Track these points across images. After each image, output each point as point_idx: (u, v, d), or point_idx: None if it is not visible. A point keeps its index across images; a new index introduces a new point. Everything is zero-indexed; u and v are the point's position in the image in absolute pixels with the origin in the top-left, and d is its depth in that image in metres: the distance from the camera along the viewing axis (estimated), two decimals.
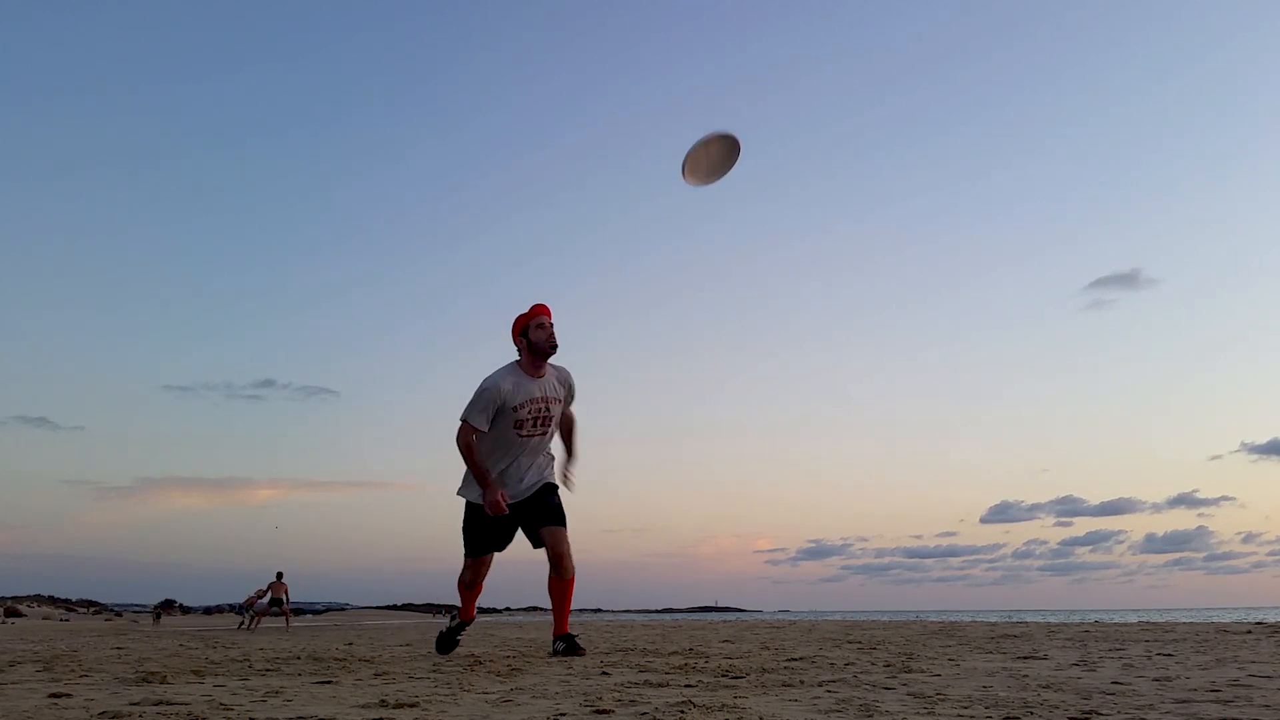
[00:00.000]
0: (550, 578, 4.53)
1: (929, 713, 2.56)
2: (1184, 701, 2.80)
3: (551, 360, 4.54)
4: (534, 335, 4.39)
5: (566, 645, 4.53)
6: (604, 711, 2.51)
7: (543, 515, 4.49)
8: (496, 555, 4.82)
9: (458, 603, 5.00)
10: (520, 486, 4.53)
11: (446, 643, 4.98)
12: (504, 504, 4.40)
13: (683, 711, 2.49)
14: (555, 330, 4.42)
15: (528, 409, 4.41)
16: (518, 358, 4.51)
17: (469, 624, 5.02)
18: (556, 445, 4.79)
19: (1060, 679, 3.53)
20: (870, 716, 2.48)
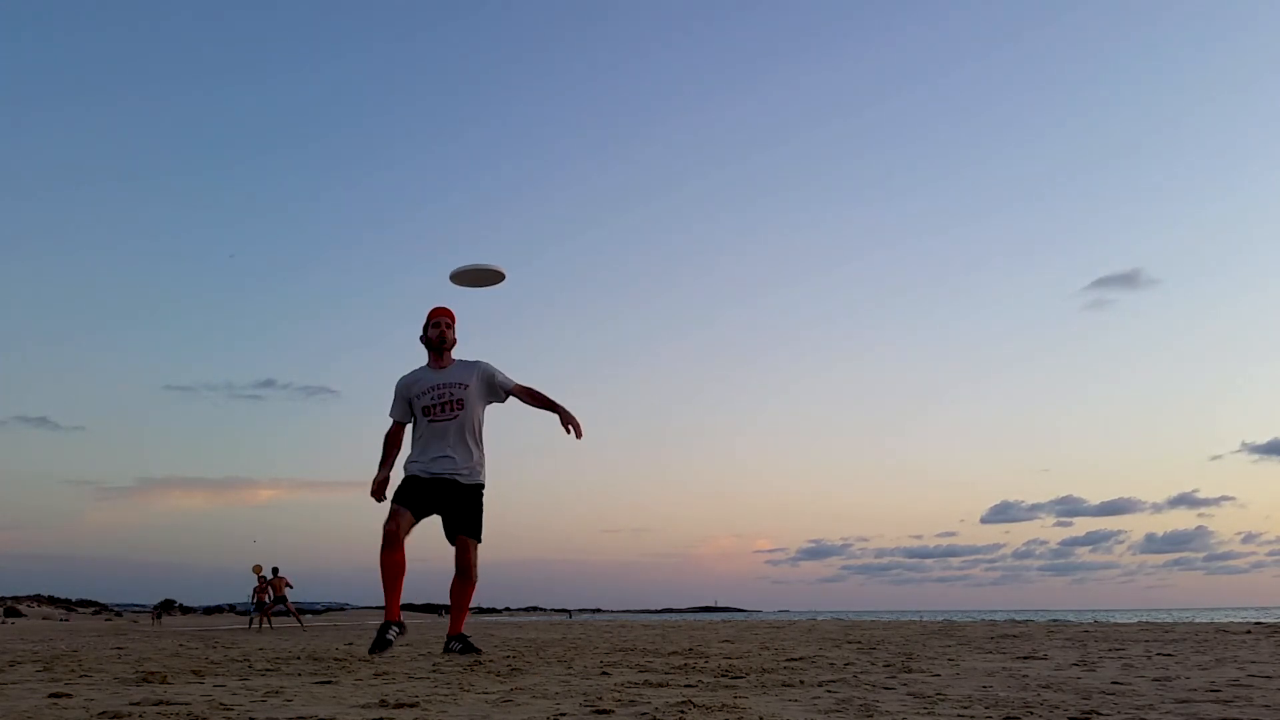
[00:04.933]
0: (454, 580, 5.02)
1: (929, 713, 2.56)
2: (1184, 701, 2.80)
3: (468, 357, 5.14)
4: (430, 333, 5.07)
5: (463, 645, 4.96)
6: (604, 711, 2.51)
7: (461, 524, 4.99)
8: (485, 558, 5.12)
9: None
10: (429, 467, 4.98)
11: (380, 642, 4.86)
12: (377, 493, 5.07)
13: (683, 711, 2.49)
14: (451, 329, 5.10)
15: (430, 395, 4.98)
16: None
17: (399, 626, 4.89)
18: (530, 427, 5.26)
19: (1060, 679, 3.53)
20: (870, 716, 2.48)
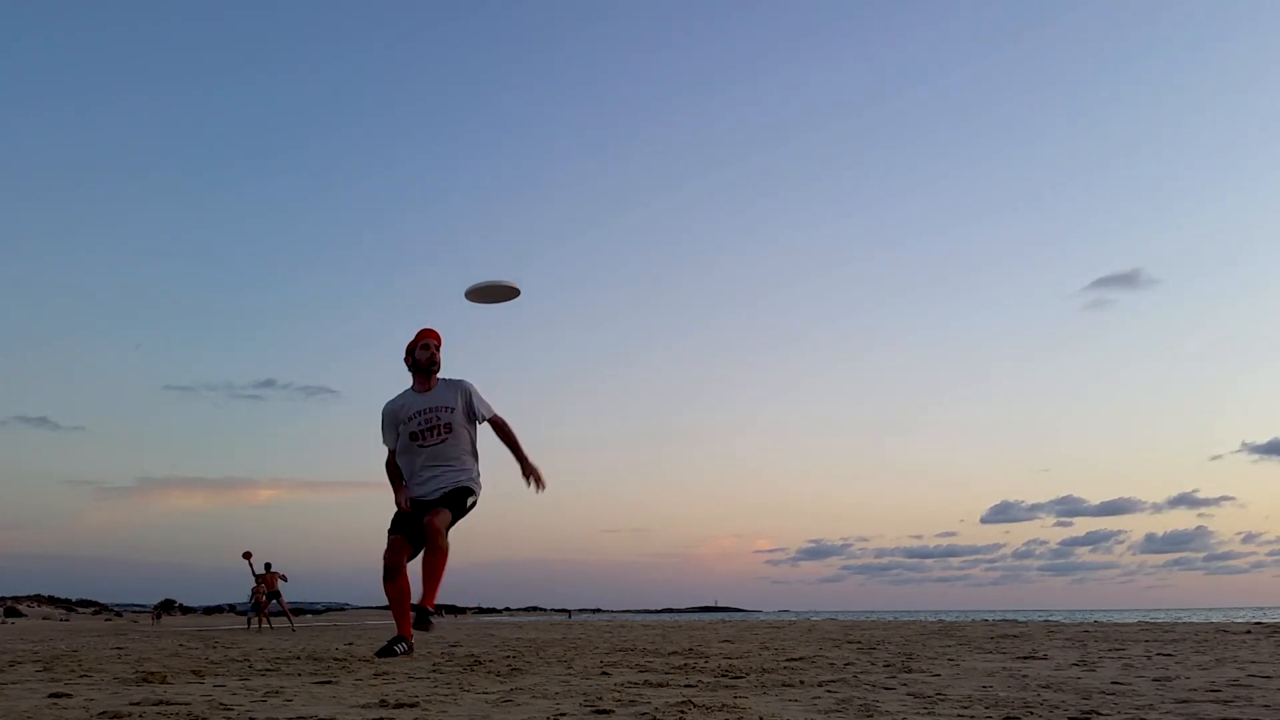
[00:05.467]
0: (424, 552, 4.89)
1: (929, 713, 2.56)
2: (1184, 701, 2.80)
3: (453, 376, 5.12)
4: (419, 355, 5.03)
5: (417, 615, 4.82)
6: (604, 711, 2.51)
7: (440, 504, 4.93)
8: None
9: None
10: (423, 490, 4.99)
11: (386, 650, 4.85)
12: (405, 504, 5.01)
13: (683, 711, 2.49)
14: (438, 351, 5.06)
15: (418, 420, 4.96)
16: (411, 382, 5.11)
17: (407, 644, 4.88)
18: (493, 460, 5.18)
19: (1060, 679, 3.53)
20: (870, 716, 2.48)
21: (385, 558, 4.90)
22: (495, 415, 5.10)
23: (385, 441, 5.13)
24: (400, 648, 4.85)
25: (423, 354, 5.03)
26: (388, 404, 5.08)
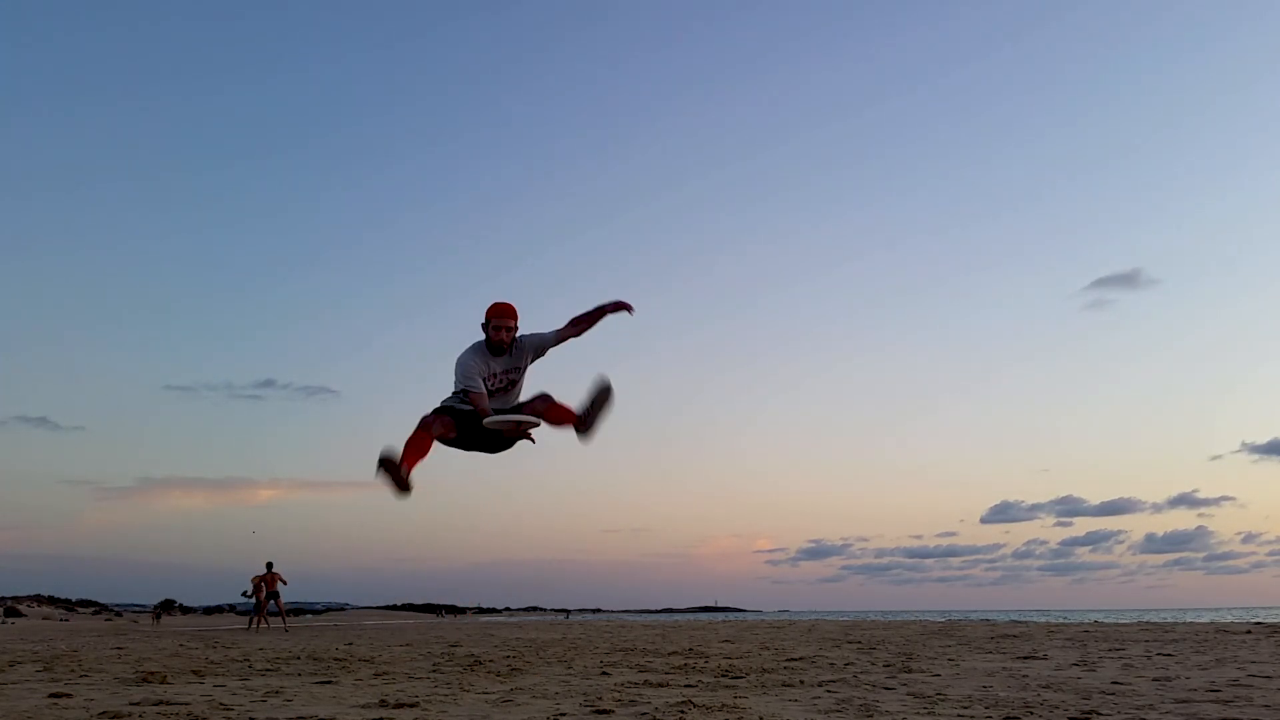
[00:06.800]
0: (548, 404, 5.06)
1: (929, 713, 2.56)
2: (1184, 701, 2.80)
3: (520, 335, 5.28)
4: (491, 333, 5.20)
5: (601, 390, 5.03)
6: (604, 711, 2.51)
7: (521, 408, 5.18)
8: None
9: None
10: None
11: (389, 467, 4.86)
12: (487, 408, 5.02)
13: (683, 711, 2.49)
14: (514, 331, 5.13)
15: (494, 381, 5.22)
16: (484, 338, 5.24)
17: (405, 485, 4.93)
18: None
19: (1060, 679, 3.53)
20: (870, 716, 2.48)
21: (425, 420, 4.87)
22: (559, 331, 5.28)
23: (473, 387, 5.36)
24: (398, 472, 4.84)
25: (496, 334, 5.34)
26: (466, 359, 5.31)
